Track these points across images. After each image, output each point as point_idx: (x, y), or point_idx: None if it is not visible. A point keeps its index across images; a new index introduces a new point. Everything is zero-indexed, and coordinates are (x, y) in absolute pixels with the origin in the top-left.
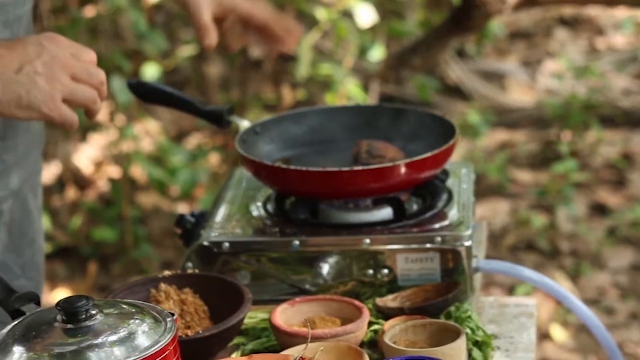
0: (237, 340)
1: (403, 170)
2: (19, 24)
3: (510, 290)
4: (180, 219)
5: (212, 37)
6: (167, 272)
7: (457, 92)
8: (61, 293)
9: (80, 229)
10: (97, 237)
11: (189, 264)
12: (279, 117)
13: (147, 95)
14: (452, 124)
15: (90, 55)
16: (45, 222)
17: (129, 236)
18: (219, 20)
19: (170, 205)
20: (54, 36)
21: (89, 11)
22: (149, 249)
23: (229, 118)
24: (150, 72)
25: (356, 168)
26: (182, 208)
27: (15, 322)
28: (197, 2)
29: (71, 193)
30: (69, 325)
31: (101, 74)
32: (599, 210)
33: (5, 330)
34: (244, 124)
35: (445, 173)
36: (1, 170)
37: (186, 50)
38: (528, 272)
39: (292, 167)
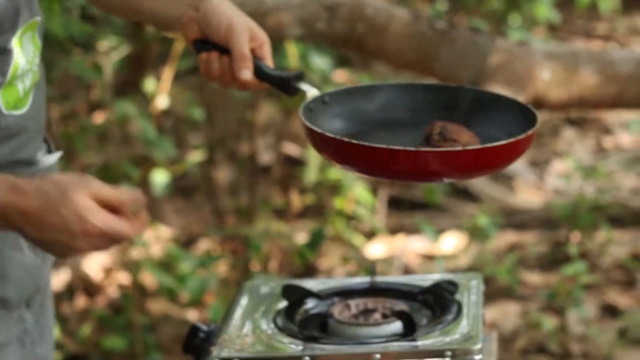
0: None
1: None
2: (43, 126)
3: None
4: (193, 330)
5: (250, 67)
6: None
7: (465, 194)
8: None
9: (90, 337)
10: (107, 346)
11: None
12: (351, 88)
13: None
14: (533, 112)
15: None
16: (54, 331)
17: (139, 344)
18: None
19: (180, 312)
20: (84, 214)
21: (98, 118)
22: (159, 357)
23: (296, 84)
24: (159, 178)
25: (422, 149)
26: (192, 315)
27: None
28: (236, 31)
29: (81, 300)
30: None
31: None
32: (610, 311)
33: None
34: (312, 92)
35: (454, 285)
36: (45, 256)
37: (195, 156)
38: None
39: (356, 141)
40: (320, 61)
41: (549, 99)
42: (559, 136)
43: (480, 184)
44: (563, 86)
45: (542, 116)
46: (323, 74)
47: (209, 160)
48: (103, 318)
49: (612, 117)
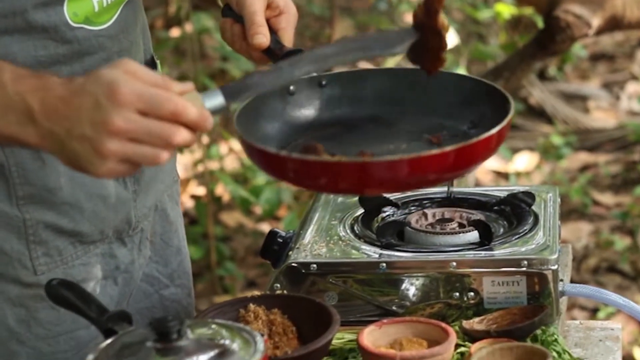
0: None
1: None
2: (137, 47)
3: (594, 312)
4: (271, 235)
5: (264, 33)
6: (255, 293)
7: (540, 114)
8: None
9: None
10: None
11: (277, 285)
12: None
13: None
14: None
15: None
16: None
17: (214, 254)
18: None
19: (254, 225)
20: (115, 83)
21: (175, 32)
22: (233, 267)
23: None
24: None
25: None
26: (266, 227)
27: (108, 341)
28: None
29: None
30: (160, 345)
31: (169, 129)
32: None
33: (97, 350)
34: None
35: (532, 197)
36: (139, 190)
37: None
38: (614, 297)
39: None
40: None
41: (626, 18)
42: (634, 58)
43: (553, 104)
44: None
45: (616, 36)
46: None
47: None
48: None
49: None
